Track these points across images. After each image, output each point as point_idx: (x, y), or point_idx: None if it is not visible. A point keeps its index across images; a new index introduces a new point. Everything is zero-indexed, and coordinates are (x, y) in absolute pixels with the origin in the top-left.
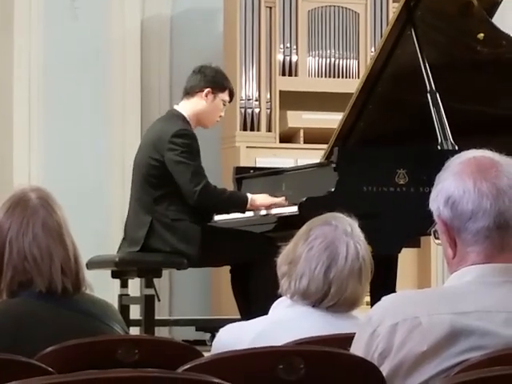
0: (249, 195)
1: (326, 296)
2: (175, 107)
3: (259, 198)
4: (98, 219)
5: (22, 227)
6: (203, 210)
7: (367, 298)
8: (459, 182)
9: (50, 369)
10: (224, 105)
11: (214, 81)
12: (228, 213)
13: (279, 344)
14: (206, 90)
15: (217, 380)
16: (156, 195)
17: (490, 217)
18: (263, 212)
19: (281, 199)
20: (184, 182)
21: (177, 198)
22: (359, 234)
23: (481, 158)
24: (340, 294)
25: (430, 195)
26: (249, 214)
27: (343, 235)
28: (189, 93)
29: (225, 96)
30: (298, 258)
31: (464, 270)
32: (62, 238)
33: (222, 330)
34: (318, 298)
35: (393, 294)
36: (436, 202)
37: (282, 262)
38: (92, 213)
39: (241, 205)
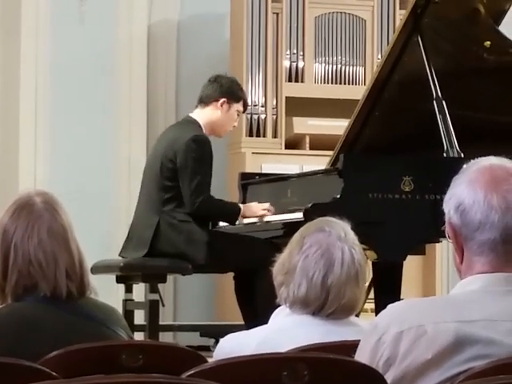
0: (241, 206)
1: (325, 303)
2: (190, 115)
3: (249, 209)
4: (104, 221)
5: (27, 231)
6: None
7: (371, 305)
8: (471, 190)
9: (53, 373)
10: (238, 115)
11: (230, 91)
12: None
13: None
14: (222, 99)
15: None
16: (167, 196)
17: (497, 230)
18: (268, 218)
19: (267, 205)
20: (186, 190)
21: None
22: (353, 238)
23: (497, 168)
24: (338, 300)
25: (445, 196)
26: (254, 220)
27: (337, 241)
28: (204, 101)
29: (239, 106)
30: (294, 268)
31: (470, 278)
32: (67, 242)
33: (222, 340)
34: (317, 305)
35: (399, 302)
36: (448, 206)
37: (277, 271)
38: (98, 215)
39: (232, 216)
